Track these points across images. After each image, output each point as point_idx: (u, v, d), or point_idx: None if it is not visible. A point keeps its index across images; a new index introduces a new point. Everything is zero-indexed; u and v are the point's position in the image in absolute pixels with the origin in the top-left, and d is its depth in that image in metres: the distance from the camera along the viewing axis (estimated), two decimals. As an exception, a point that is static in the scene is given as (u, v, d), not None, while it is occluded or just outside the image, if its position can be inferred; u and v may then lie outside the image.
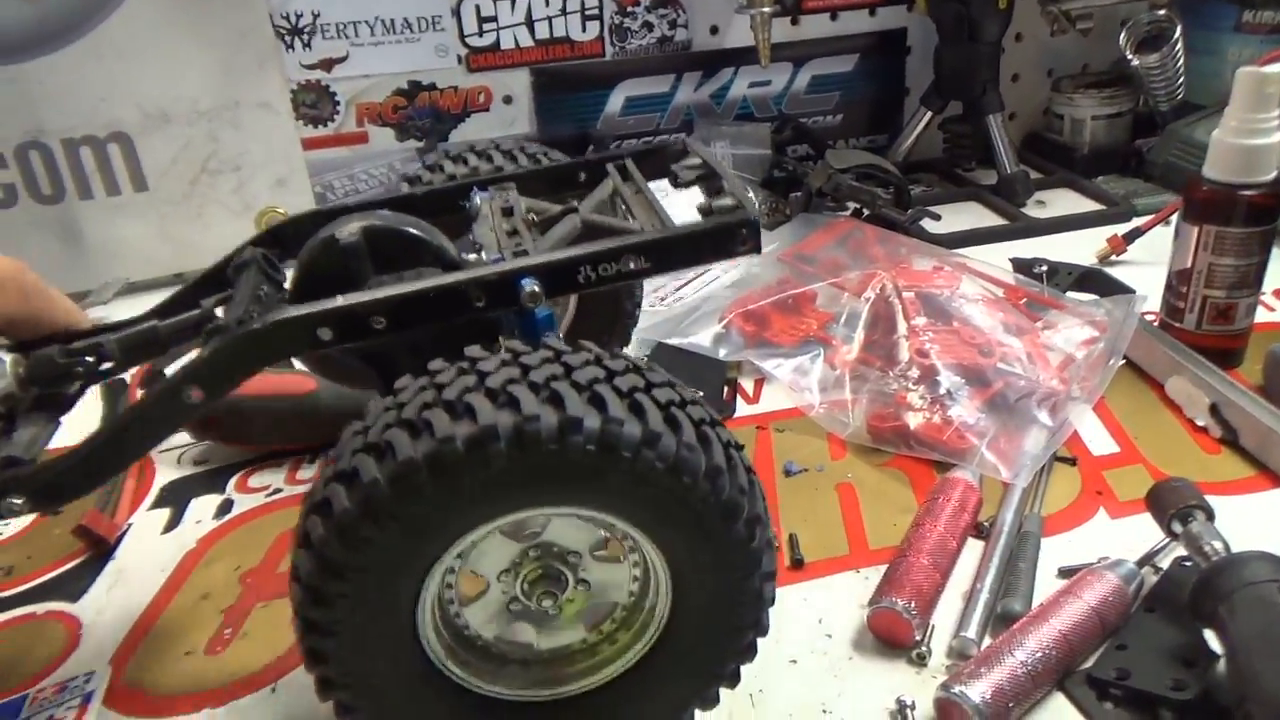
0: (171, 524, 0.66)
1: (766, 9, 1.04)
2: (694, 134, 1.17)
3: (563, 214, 0.53)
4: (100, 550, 0.63)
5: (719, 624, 0.41)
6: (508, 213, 0.52)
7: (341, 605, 0.36)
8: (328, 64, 1.05)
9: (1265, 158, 0.67)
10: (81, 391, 0.48)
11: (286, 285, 0.50)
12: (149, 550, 0.63)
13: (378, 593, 0.37)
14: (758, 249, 0.47)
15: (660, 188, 0.55)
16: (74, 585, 0.60)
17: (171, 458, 0.73)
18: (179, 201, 1.05)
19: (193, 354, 0.43)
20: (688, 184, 0.54)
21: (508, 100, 1.12)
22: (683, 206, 0.52)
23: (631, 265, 0.45)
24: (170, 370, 0.44)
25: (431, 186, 0.57)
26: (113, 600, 0.59)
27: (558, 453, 0.34)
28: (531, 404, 0.34)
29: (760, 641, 0.44)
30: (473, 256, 0.48)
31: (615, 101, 1.14)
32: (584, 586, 0.42)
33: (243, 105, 1.03)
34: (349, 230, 0.47)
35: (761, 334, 0.78)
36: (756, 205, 0.46)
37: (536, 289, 0.43)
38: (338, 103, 1.07)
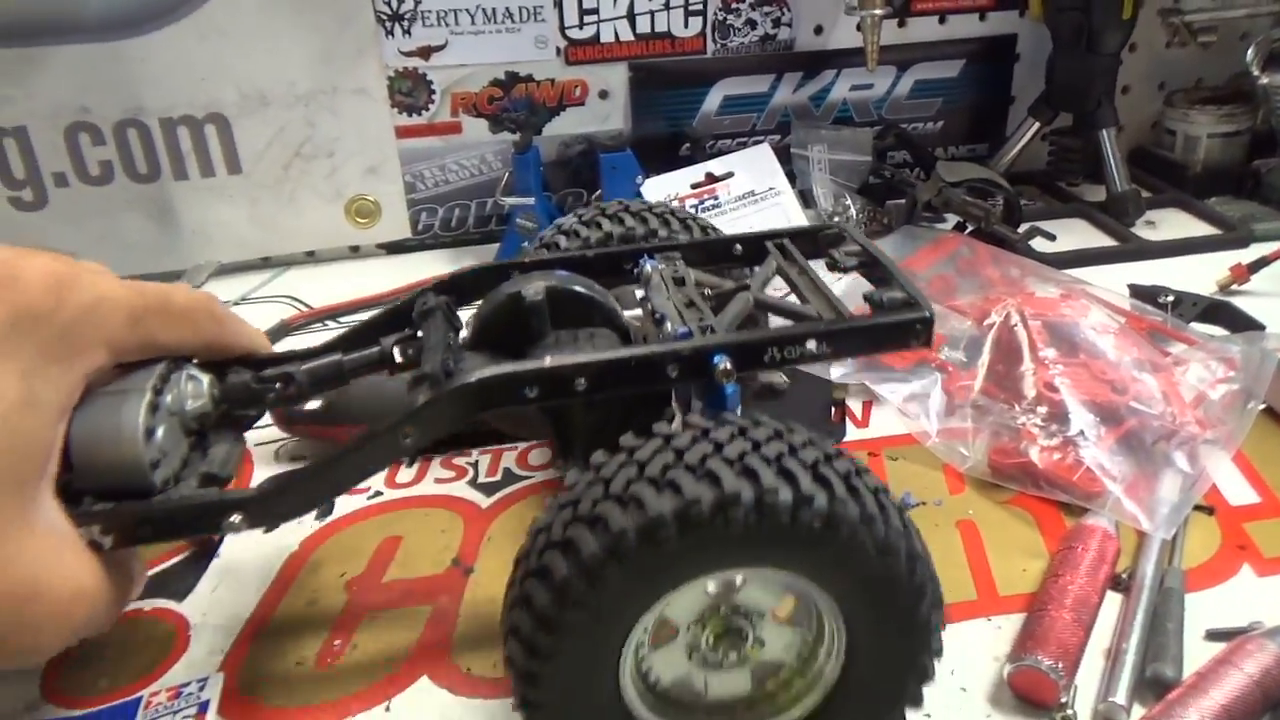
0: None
1: (878, 11, 1.00)
2: (790, 136, 1.13)
3: (735, 291, 0.55)
4: (203, 549, 0.62)
5: (895, 665, 0.43)
6: (679, 282, 0.54)
7: (567, 638, 0.38)
8: (426, 52, 1.04)
9: None
10: (261, 414, 0.52)
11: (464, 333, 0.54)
12: (251, 551, 0.62)
13: (601, 633, 0.39)
14: (929, 344, 0.49)
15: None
16: (179, 583, 0.59)
17: (268, 452, 0.73)
18: (271, 185, 1.05)
19: (412, 402, 0.45)
20: (848, 271, 0.56)
21: (604, 95, 1.09)
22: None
23: (813, 349, 0.47)
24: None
25: (605, 248, 0.61)
26: (218, 601, 0.58)
27: (790, 524, 0.37)
28: (770, 477, 0.37)
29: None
30: (664, 327, 0.50)
31: (713, 100, 1.12)
32: (759, 645, 0.43)
33: (340, 91, 1.02)
34: (534, 289, 0.51)
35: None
36: (927, 301, 0.50)
37: (728, 366, 0.45)
38: (433, 91, 1.05)
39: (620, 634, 0.39)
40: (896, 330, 0.49)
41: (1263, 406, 0.69)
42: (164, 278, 1.00)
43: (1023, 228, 0.96)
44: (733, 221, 1.04)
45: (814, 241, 0.59)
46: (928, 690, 0.49)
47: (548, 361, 0.44)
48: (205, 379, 0.48)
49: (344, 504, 0.66)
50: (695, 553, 0.38)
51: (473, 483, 0.68)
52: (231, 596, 0.58)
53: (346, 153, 1.05)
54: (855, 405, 0.74)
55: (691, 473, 0.37)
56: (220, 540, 0.63)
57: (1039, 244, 0.94)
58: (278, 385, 0.50)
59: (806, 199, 1.09)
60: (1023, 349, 0.69)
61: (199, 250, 1.04)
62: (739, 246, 0.60)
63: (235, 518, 0.44)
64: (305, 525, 0.64)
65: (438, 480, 0.69)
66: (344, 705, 0.50)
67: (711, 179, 1.06)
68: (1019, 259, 0.84)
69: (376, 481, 0.69)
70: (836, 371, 0.74)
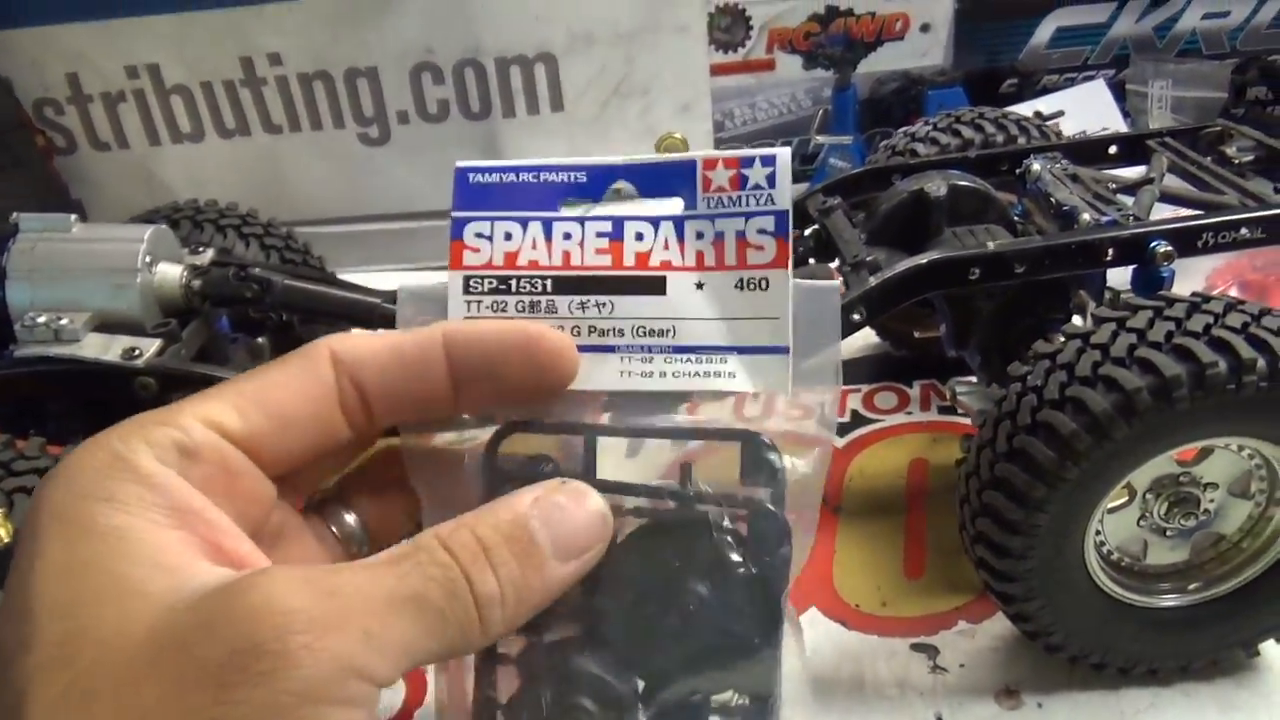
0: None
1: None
2: (1127, 71, 1.05)
3: (1140, 184, 0.56)
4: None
5: None
6: (1073, 179, 0.56)
7: (1059, 492, 0.41)
8: (747, -14, 1.03)
9: None
10: None
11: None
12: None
13: (1087, 493, 0.42)
14: None
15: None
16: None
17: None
18: (588, 123, 1.08)
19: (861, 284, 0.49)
20: (1246, 165, 0.57)
21: (925, 29, 1.04)
22: None
23: (1247, 234, 0.48)
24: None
25: (985, 150, 0.62)
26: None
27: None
28: (1245, 349, 0.39)
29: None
30: (1077, 219, 0.51)
31: (1043, 32, 1.04)
32: (1205, 515, 0.45)
33: (662, 28, 1.03)
34: (936, 186, 0.53)
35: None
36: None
37: (1169, 249, 0.47)
38: (751, 27, 1.04)
39: (1100, 495, 0.41)
40: None
41: None
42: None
43: None
44: (1064, 163, 0.98)
45: (1194, 140, 0.60)
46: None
47: (991, 246, 0.48)
48: None
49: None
50: (1201, 415, 0.39)
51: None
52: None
53: (660, 90, 1.06)
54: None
55: (1197, 339, 0.39)
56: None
57: None
58: None
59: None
60: None
61: (521, 185, 1.09)
62: (1114, 146, 0.62)
63: (856, 316, 0.47)
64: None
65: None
66: (738, 627, 0.52)
67: (1040, 118, 0.99)
68: None
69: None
70: None
